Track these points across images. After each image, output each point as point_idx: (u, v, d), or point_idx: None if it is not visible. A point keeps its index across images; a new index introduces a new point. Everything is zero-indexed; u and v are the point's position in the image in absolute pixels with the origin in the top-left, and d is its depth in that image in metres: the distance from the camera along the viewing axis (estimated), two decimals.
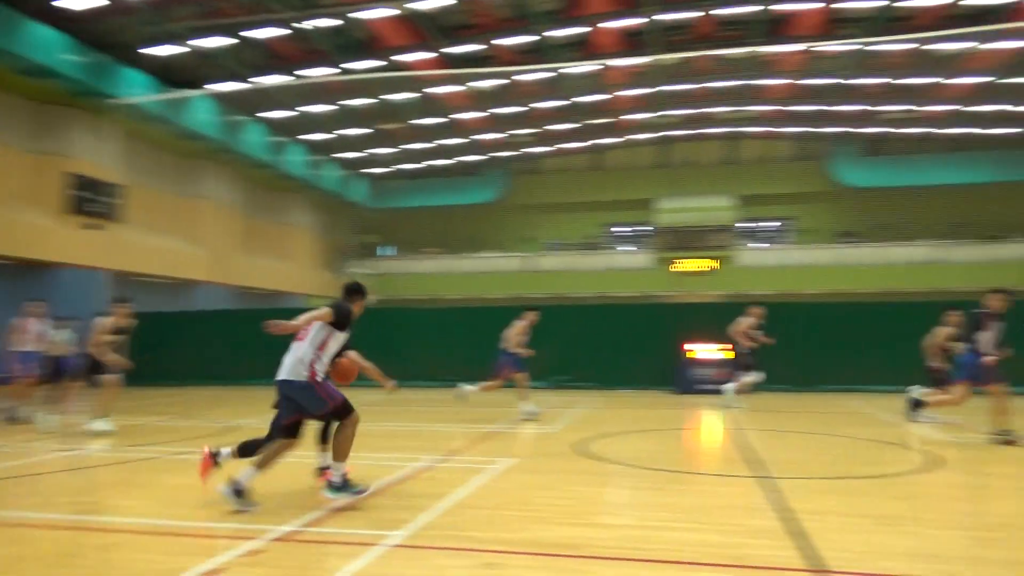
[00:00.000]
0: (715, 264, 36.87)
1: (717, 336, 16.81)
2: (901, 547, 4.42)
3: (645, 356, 17.55)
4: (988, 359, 8.52)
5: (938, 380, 10.94)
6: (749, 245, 39.72)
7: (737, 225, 39.27)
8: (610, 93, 30.75)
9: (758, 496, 5.89)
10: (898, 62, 27.40)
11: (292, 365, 5.49)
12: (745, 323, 13.00)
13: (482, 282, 37.85)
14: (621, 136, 38.32)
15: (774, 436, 9.67)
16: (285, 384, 5.51)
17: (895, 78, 28.69)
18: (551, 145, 38.89)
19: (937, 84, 28.85)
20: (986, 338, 8.69)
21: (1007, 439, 8.46)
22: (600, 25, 23.95)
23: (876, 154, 38.29)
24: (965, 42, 24.32)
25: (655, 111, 33.40)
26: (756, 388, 14.44)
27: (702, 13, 23.40)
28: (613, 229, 42.84)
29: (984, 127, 34.12)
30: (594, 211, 41.61)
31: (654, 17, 23.28)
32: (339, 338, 5.63)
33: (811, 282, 34.89)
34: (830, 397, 15.68)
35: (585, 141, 38.43)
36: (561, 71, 26.68)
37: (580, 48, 25.70)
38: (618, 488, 6.34)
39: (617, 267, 38.37)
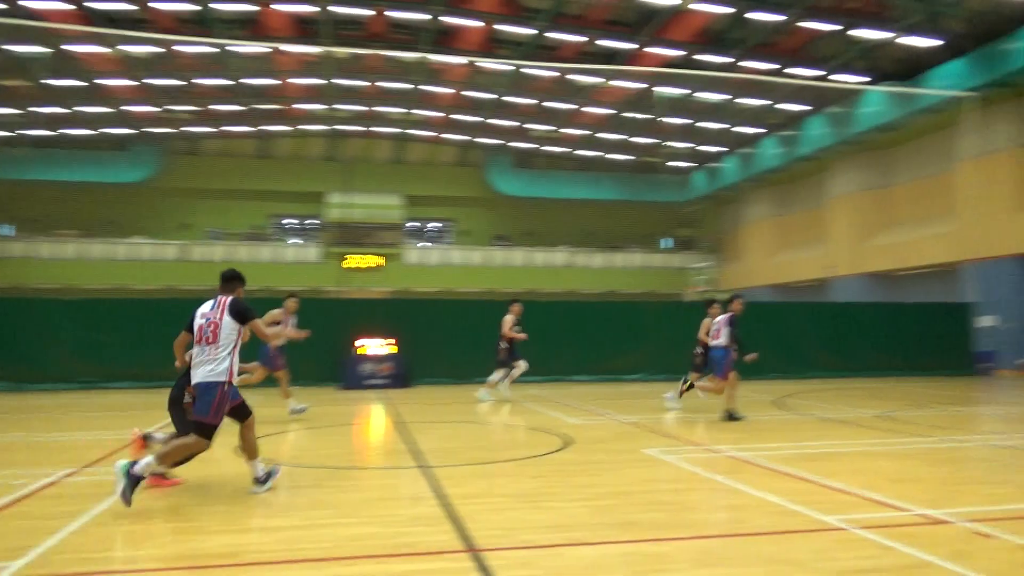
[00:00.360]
0: (381, 261, 37.73)
1: (385, 331, 17.33)
2: (538, 521, 5.04)
3: (312, 352, 17.30)
4: (733, 353, 10.61)
5: (698, 367, 12.23)
6: (417, 244, 41.42)
7: (405, 224, 40.72)
8: (280, 79, 29.71)
9: (418, 485, 6.23)
10: (546, 86, 30.75)
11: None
12: (509, 319, 13.60)
13: (130, 271, 34.02)
14: (291, 125, 37.24)
15: (432, 427, 10.27)
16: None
17: (543, 100, 32.15)
18: (214, 126, 36.27)
19: (576, 110, 32.97)
20: (730, 334, 10.74)
21: (733, 416, 10.53)
22: (272, 6, 23.03)
23: (526, 167, 42.47)
24: (597, 77, 28.16)
25: (327, 103, 33.06)
26: (413, 382, 15.14)
27: (374, 12, 23.79)
28: (283, 221, 41.46)
29: (609, 152, 39.93)
30: (261, 200, 39.84)
31: (328, 7, 23.06)
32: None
33: (469, 281, 37.57)
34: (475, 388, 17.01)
35: (253, 126, 36.57)
36: (227, 48, 25.06)
37: (249, 27, 24.43)
38: (279, 489, 6.23)
39: (285, 260, 37.25)
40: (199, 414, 5.64)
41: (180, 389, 6.19)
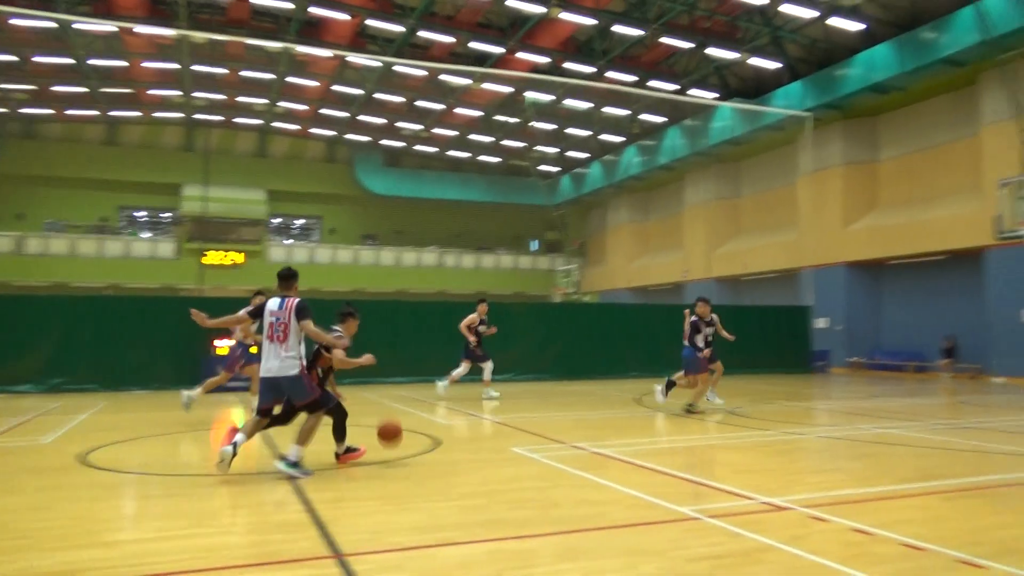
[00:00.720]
0: (239, 258, 36.10)
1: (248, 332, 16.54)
2: (406, 523, 5.01)
3: (167, 353, 16.33)
4: (701, 354, 11.44)
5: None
6: (282, 241, 39.99)
7: (269, 220, 39.21)
8: (130, 61, 27.77)
9: (281, 491, 6.03)
10: (416, 85, 30.59)
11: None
12: (471, 318, 13.81)
13: None
14: (144, 111, 34.90)
15: (292, 430, 9.93)
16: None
17: (413, 99, 31.96)
18: (56, 109, 33.38)
19: (446, 111, 33.00)
20: (700, 337, 11.55)
21: (692, 411, 11.39)
22: None
23: (396, 165, 42.04)
24: (467, 78, 28.34)
25: (183, 90, 31.25)
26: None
27: None
28: (134, 213, 38.80)
29: (479, 154, 40.26)
30: (110, 191, 37.10)
31: None
32: None
33: (337, 280, 36.70)
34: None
35: (100, 110, 33.95)
36: (72, 25, 23.12)
37: (93, 3, 22.69)
38: (130, 500, 5.84)
39: (137, 255, 34.87)
40: (301, 400, 6.61)
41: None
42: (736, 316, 23.92)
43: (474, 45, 25.71)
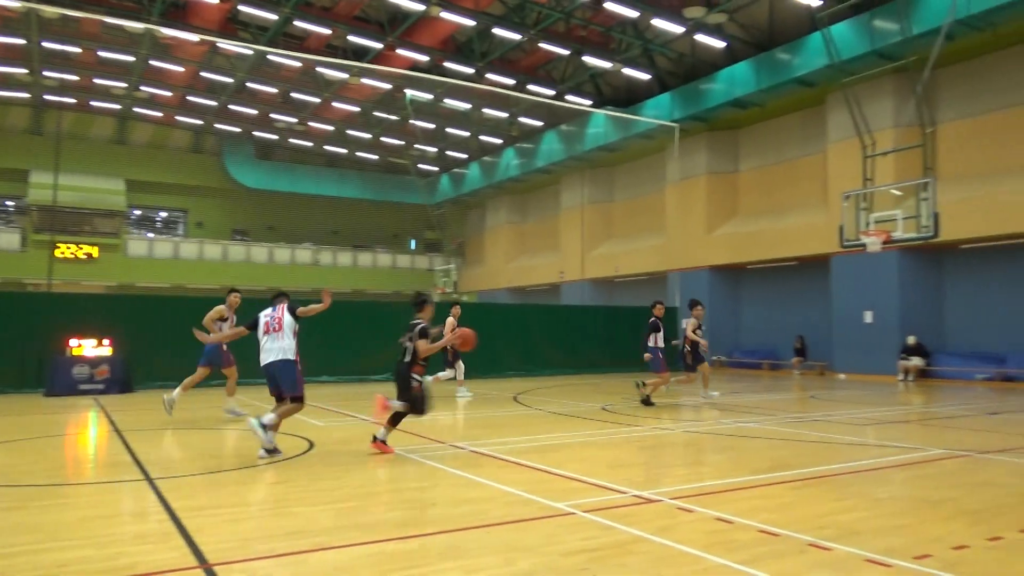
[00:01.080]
0: (94, 251, 33.62)
1: (102, 331, 15.46)
2: (278, 528, 4.85)
3: (11, 353, 15.00)
4: (660, 352, 12.59)
5: (688, 366, 13.77)
6: (143, 234, 37.62)
7: (128, 211, 36.77)
8: None
9: (141, 500, 5.69)
10: (291, 76, 29.63)
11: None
12: (450, 322, 14.08)
13: None
14: None
15: (158, 435, 9.41)
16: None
17: (288, 90, 30.92)
18: None
19: (323, 104, 32.16)
20: (658, 337, 12.67)
21: (647, 401, 12.47)
22: None
23: (268, 158, 40.53)
24: (345, 72, 27.74)
25: (30, 68, 28.73)
26: (135, 387, 13.78)
27: None
28: None
29: (357, 150, 39.51)
30: None
31: None
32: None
33: (204, 277, 34.92)
34: (214, 392, 15.93)
35: None
36: None
37: None
38: None
39: None
40: (289, 390, 7.69)
41: (408, 369, 7.76)
42: (609, 317, 24.81)
43: (353, 39, 25.21)
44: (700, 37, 23.62)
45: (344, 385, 18.08)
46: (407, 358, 7.75)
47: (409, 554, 4.31)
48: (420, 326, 7.80)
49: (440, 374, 14.49)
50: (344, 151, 39.80)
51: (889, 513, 5.28)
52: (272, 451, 7.49)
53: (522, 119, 32.47)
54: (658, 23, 22.87)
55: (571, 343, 22.44)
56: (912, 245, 18.23)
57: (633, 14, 22.48)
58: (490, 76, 27.26)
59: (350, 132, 36.24)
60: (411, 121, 32.47)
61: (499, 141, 35.78)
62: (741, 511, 5.26)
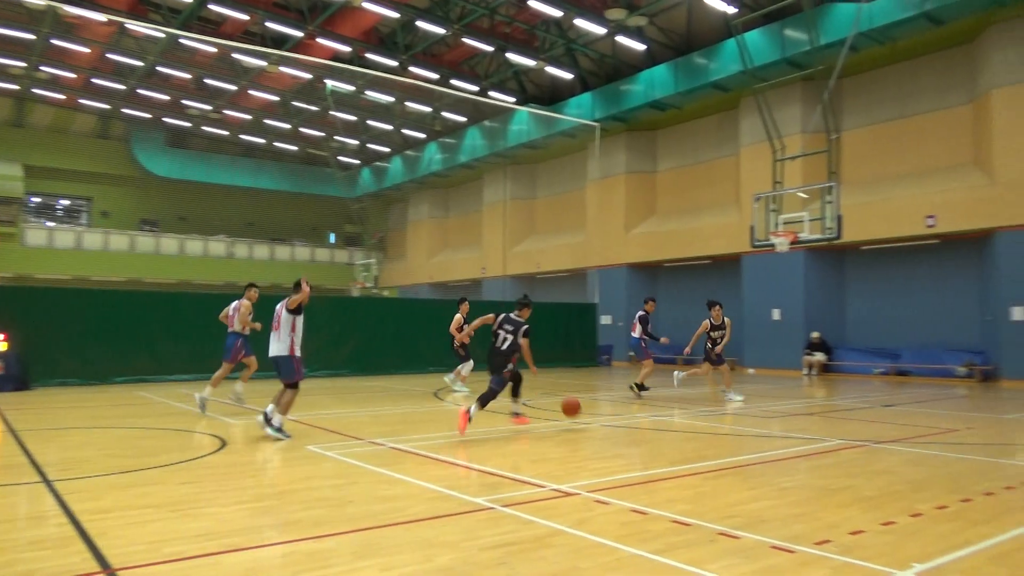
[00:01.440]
0: None
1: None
2: (189, 530, 4.69)
3: None
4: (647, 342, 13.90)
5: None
6: (43, 223, 35.56)
7: (26, 198, 34.70)
8: None
9: (39, 503, 5.40)
10: (206, 62, 28.58)
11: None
12: (457, 319, 14.87)
13: None
14: None
15: (58, 435, 8.94)
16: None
17: (201, 77, 29.81)
18: None
19: (240, 92, 31.15)
20: (643, 329, 13.97)
21: (638, 393, 13.65)
22: None
23: (180, 146, 38.98)
24: (262, 61, 26.95)
25: None
26: (32, 384, 13.03)
27: None
28: None
29: (275, 140, 38.47)
30: None
31: None
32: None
33: (110, 269, 33.35)
34: (120, 389, 15.26)
35: None
36: None
37: None
38: None
39: None
40: (286, 378, 8.62)
41: (506, 357, 9.18)
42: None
43: (272, 26, 24.50)
44: (621, 39, 24.06)
45: (260, 382, 17.58)
46: (504, 346, 9.19)
47: (324, 553, 4.25)
48: (526, 327, 9.41)
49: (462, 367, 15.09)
50: (262, 141, 38.69)
51: (793, 501, 5.54)
52: (278, 431, 8.38)
53: (445, 114, 32.33)
54: (581, 23, 23.16)
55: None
56: (817, 246, 19.13)
57: (557, 13, 22.68)
58: (413, 69, 27.01)
59: (268, 122, 35.25)
60: (332, 112, 31.85)
61: (422, 136, 35.51)
62: (655, 502, 5.41)
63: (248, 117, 34.80)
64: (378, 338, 20.56)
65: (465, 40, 25.00)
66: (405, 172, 37.06)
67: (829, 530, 4.69)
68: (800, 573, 3.87)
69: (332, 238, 44.91)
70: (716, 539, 4.49)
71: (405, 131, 35.32)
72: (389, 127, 34.98)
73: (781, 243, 16.56)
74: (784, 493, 5.84)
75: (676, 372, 14.38)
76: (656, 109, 25.10)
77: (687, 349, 13.78)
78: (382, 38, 26.34)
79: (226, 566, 4.02)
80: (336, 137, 36.39)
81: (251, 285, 11.49)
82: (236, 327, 11.20)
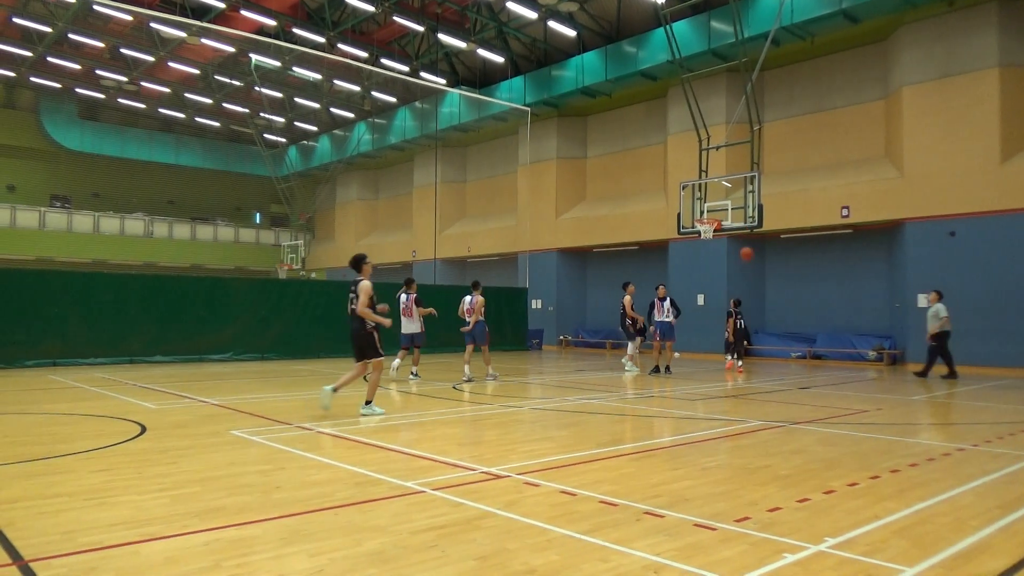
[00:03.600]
0: None
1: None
2: (105, 519, 4.52)
3: None
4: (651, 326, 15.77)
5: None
6: None
7: None
8: None
9: None
10: (121, 31, 27.24)
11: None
12: (627, 300, 16.48)
13: None
14: None
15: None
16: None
17: (116, 46, 28.41)
18: None
19: (156, 64, 29.84)
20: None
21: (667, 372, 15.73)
22: None
23: (94, 119, 37.12)
24: (182, 31, 25.82)
25: None
26: None
27: None
28: None
29: (197, 115, 37.02)
30: None
31: None
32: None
33: (17, 247, 31.65)
34: (31, 373, 14.53)
35: None
36: None
37: None
38: None
39: None
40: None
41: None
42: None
43: None
44: (553, 24, 24.10)
45: (179, 366, 17.03)
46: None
47: (249, 540, 4.16)
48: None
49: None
50: (182, 116, 37.17)
51: (715, 480, 5.73)
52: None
53: (375, 93, 31.77)
54: (513, 7, 23.07)
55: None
56: (739, 234, 19.71)
57: None
58: (342, 47, 26.42)
59: (189, 96, 33.89)
60: (257, 88, 30.88)
61: (351, 115, 34.81)
62: (584, 483, 5.51)
63: (167, 90, 33.40)
64: (305, 321, 20.17)
65: (396, 19, 24.58)
66: (333, 152, 36.32)
67: (749, 507, 4.87)
68: (721, 549, 4.01)
69: (258, 218, 43.71)
70: (642, 518, 4.61)
71: (333, 110, 34.56)
72: (317, 105, 34.16)
73: (706, 230, 17.00)
74: (706, 473, 6.03)
75: (625, 359, 16.57)
76: (586, 95, 25.30)
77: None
78: (309, 13, 25.64)
79: (145, 555, 3.89)
80: (262, 114, 35.31)
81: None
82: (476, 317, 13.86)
